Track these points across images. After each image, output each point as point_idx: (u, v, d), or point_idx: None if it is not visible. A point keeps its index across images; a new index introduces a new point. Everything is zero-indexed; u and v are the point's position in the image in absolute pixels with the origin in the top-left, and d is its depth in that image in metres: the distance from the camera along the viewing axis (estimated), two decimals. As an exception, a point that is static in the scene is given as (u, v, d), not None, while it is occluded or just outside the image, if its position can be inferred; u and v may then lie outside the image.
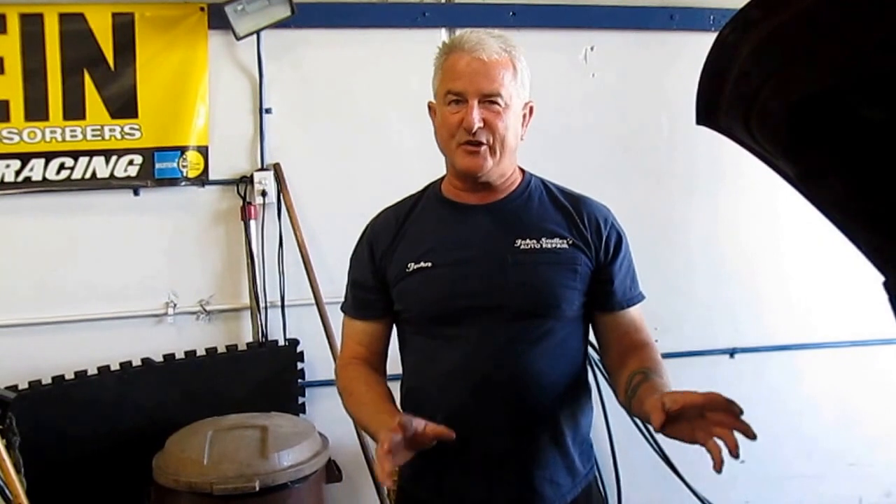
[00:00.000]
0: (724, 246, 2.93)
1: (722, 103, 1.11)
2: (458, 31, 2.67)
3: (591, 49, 2.78)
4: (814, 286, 2.96)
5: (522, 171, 1.41)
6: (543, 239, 1.31)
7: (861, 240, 1.14)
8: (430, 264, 1.32)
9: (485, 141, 1.27)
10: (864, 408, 3.00)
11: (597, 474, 1.47)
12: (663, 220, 2.83)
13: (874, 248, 1.15)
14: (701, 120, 1.16)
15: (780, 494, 3.01)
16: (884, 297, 1.12)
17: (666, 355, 1.45)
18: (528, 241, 1.31)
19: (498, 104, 1.27)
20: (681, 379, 1.43)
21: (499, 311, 1.29)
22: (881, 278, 1.13)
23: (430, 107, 1.38)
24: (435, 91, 1.34)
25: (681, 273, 2.84)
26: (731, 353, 2.94)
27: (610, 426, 2.61)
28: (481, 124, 1.25)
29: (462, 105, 1.26)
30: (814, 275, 2.95)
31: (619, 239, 1.37)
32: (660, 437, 2.75)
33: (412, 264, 1.33)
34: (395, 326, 1.45)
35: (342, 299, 1.48)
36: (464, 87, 1.26)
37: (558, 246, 1.31)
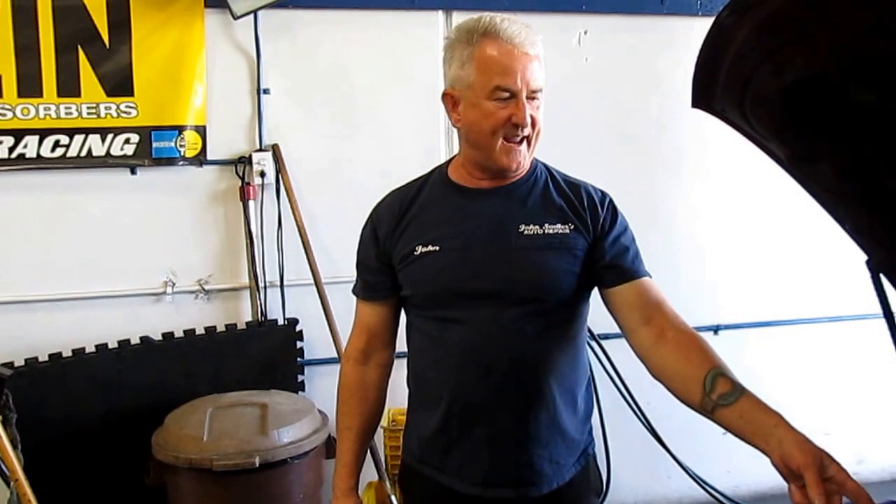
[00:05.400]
0: (707, 226, 2.86)
1: (717, 85, 0.99)
2: (460, 16, 2.54)
3: (585, 33, 2.67)
4: (793, 265, 2.90)
5: None
6: (546, 224, 1.24)
7: (847, 220, 1.03)
8: (437, 248, 1.24)
9: (526, 135, 1.20)
10: (839, 380, 2.97)
11: (594, 451, 1.38)
12: (650, 200, 2.74)
13: (860, 227, 1.04)
14: (696, 102, 1.04)
15: (760, 464, 2.84)
16: (863, 274, 1.02)
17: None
18: (531, 226, 1.23)
19: (538, 99, 1.20)
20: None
21: (502, 295, 1.22)
22: (864, 257, 1.03)
23: (452, 96, 1.23)
24: (467, 82, 1.19)
25: (666, 252, 2.76)
26: (715, 329, 2.87)
27: (600, 401, 2.51)
28: (530, 120, 1.18)
29: (511, 101, 1.17)
30: (793, 254, 2.89)
31: (615, 218, 1.28)
32: (647, 411, 2.68)
33: (420, 248, 1.25)
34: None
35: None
36: (515, 83, 1.16)
37: (560, 231, 1.24)
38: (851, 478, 0.90)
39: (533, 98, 1.18)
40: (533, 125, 1.19)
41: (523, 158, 1.22)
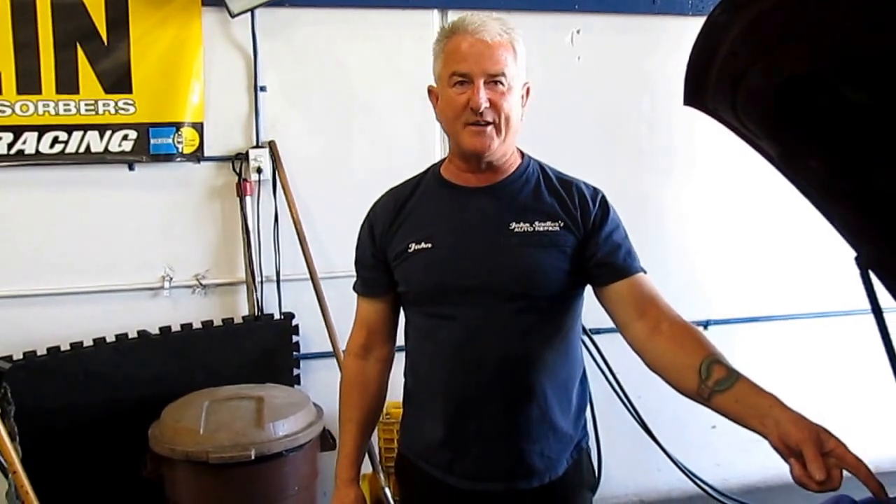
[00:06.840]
0: (698, 222, 2.85)
1: (710, 83, 0.98)
2: (455, 14, 2.53)
3: (578, 32, 2.66)
4: (783, 261, 2.90)
5: (521, 153, 1.32)
6: (537, 222, 1.23)
7: (837, 217, 1.03)
8: (430, 245, 1.25)
9: (491, 120, 1.20)
10: (828, 375, 2.97)
11: (588, 445, 1.37)
12: (641, 197, 2.73)
13: (849, 224, 1.03)
14: (688, 100, 1.03)
15: (748, 457, 2.94)
16: (852, 271, 1.01)
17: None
18: (522, 224, 1.23)
19: (502, 84, 1.19)
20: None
21: (493, 292, 1.22)
22: (853, 253, 1.02)
23: (431, 91, 1.29)
24: (437, 74, 1.25)
25: (656, 248, 2.73)
26: (705, 324, 2.86)
27: (591, 394, 2.50)
28: (487, 104, 1.18)
29: (467, 86, 1.19)
30: (783, 251, 2.89)
31: (606, 215, 1.27)
32: (638, 405, 2.67)
33: (413, 245, 1.26)
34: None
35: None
36: (469, 67, 1.18)
37: (550, 228, 1.23)
38: (850, 451, 0.89)
39: (495, 84, 1.18)
40: (498, 111, 1.19)
41: (491, 141, 1.20)
